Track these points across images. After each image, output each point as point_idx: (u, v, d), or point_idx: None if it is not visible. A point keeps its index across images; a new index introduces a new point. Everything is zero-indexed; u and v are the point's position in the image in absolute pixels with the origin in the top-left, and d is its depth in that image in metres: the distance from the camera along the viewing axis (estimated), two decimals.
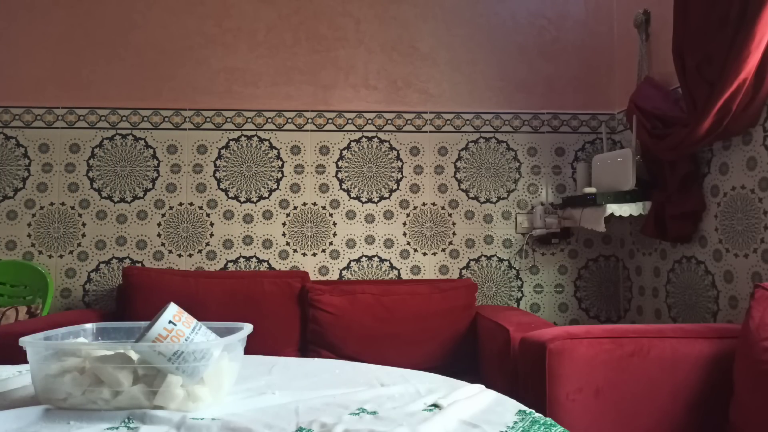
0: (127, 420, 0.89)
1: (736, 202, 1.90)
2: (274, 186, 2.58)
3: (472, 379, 2.20)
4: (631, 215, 2.28)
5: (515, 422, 0.89)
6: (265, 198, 2.58)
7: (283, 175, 2.59)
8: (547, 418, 0.91)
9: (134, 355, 0.96)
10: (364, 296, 2.33)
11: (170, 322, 0.92)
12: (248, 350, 1.13)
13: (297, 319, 2.33)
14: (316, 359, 1.39)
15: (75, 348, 0.98)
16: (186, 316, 0.97)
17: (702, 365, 1.60)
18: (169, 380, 0.91)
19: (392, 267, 2.61)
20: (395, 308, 2.31)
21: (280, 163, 2.59)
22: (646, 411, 1.58)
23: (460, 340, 2.30)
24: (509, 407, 0.97)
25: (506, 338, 1.91)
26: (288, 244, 2.58)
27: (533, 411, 0.94)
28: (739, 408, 1.49)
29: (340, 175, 2.60)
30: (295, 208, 2.59)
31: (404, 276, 2.61)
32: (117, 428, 0.87)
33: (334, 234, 2.60)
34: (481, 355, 2.25)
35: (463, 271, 2.62)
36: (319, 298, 2.30)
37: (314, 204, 2.59)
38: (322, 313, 2.28)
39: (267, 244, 2.57)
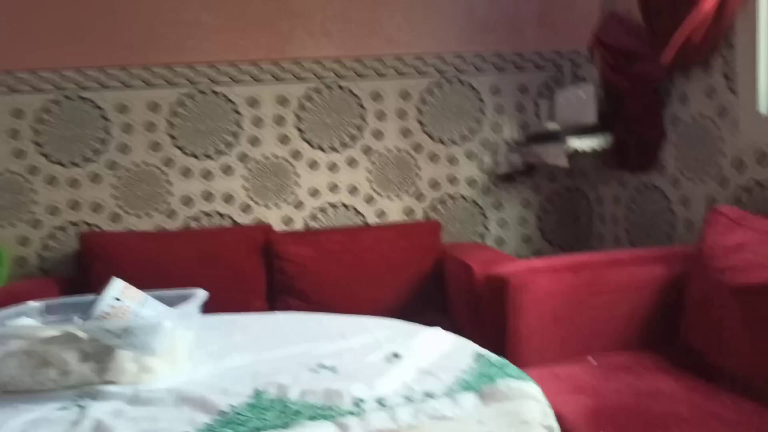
0: (77, 398, 0.88)
1: (695, 130, 1.91)
2: (233, 140, 2.51)
3: (440, 317, 2.25)
4: (593, 148, 2.28)
5: (471, 366, 0.90)
6: (223, 153, 2.51)
7: (241, 129, 2.51)
8: (502, 360, 0.93)
9: (82, 334, 0.93)
10: (330, 245, 2.33)
11: (115, 298, 0.90)
12: (215, 306, 1.12)
13: (263, 271, 2.32)
14: (278, 314, 1.39)
15: (19, 331, 0.95)
16: (133, 291, 0.94)
17: (657, 288, 1.66)
18: (119, 355, 0.90)
19: (358, 213, 2.59)
20: (362, 254, 2.32)
21: (237, 116, 2.50)
22: (604, 335, 1.64)
23: (428, 279, 2.34)
24: (467, 351, 0.98)
25: (470, 275, 1.94)
26: (250, 197, 2.53)
27: (490, 353, 0.96)
28: (689, 326, 1.56)
29: (300, 126, 2.53)
30: (256, 161, 2.53)
31: (370, 221, 2.60)
32: (67, 408, 0.86)
33: (297, 185, 2.55)
34: (449, 292, 2.30)
35: (429, 213, 2.62)
36: (285, 250, 2.29)
37: (275, 156, 2.53)
38: (288, 264, 2.27)
39: (228, 199, 2.52)
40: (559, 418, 1.31)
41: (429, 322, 2.22)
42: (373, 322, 1.23)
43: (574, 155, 2.39)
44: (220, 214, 2.52)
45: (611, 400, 1.32)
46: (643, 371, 1.49)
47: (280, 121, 2.52)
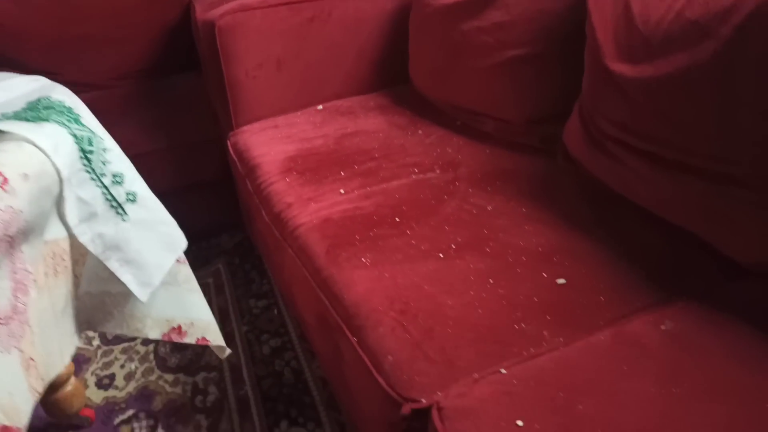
0: None
1: None
2: None
3: (196, 77, 2.01)
4: None
5: (17, 113, 0.72)
6: None
7: None
8: (56, 104, 0.75)
9: None
10: None
11: None
12: None
13: None
14: None
15: None
16: None
17: (384, 22, 1.56)
18: None
19: None
20: (82, 4, 1.92)
21: None
22: (332, 75, 1.56)
23: (174, 34, 2.03)
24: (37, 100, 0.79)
25: (195, 21, 1.68)
26: None
27: (60, 101, 0.78)
28: (412, 60, 1.50)
29: None
30: None
31: None
32: None
33: None
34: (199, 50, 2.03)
35: None
36: None
37: None
38: None
39: None
40: (257, 169, 1.26)
41: (181, 86, 2.00)
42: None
43: None
44: None
45: (314, 145, 1.30)
46: (362, 113, 1.46)
47: None
